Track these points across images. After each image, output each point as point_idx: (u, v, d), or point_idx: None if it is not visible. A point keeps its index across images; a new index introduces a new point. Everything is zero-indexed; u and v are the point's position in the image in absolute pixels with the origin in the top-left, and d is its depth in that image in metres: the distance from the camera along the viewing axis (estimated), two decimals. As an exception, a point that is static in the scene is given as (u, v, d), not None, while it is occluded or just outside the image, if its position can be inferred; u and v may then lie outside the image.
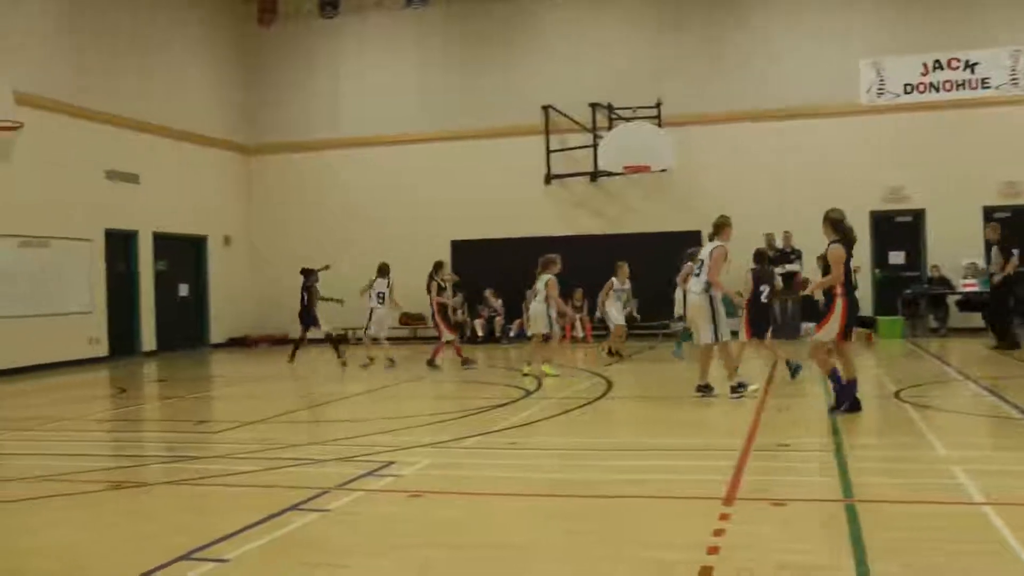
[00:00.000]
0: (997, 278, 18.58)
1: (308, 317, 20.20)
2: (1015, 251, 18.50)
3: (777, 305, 21.96)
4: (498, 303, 25.11)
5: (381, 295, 18.73)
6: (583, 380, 15.58)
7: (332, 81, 27.42)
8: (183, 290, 25.73)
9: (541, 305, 16.39)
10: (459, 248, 25.85)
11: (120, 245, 23.32)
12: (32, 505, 7.95)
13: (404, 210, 26.23)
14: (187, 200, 25.32)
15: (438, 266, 18.46)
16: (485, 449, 9.69)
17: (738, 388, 12.64)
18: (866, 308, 21.79)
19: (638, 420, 11.74)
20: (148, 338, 23.99)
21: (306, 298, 20.15)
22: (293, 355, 20.27)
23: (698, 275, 12.67)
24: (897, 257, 24.40)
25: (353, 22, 27.26)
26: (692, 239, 23.88)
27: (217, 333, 26.49)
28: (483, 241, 25.63)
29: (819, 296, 11.78)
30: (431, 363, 18.03)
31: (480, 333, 24.95)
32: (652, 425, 11.26)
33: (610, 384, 14.77)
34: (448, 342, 18.43)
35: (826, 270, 11.24)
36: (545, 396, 13.55)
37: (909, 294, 22.86)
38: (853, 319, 11.11)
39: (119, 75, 23.20)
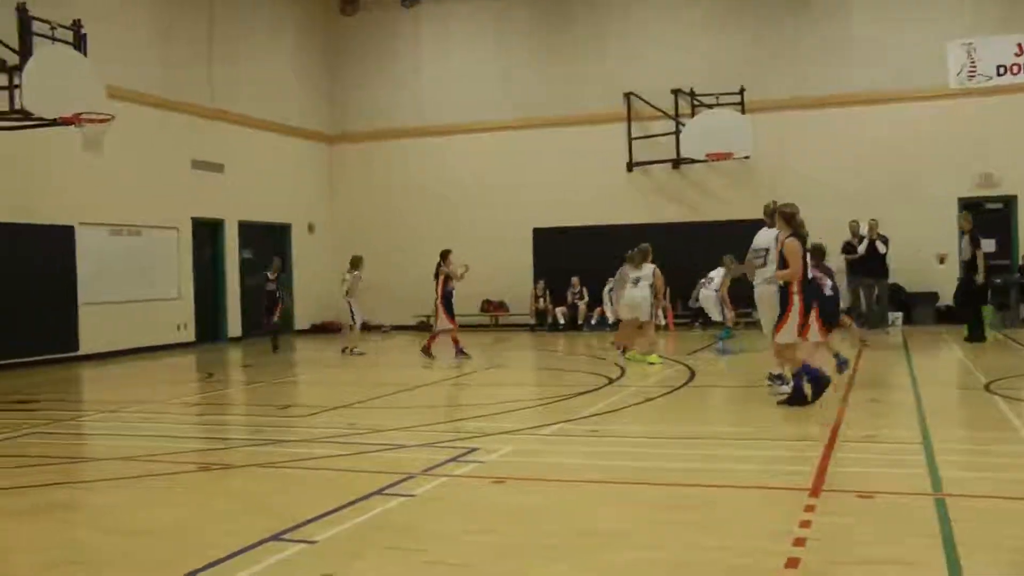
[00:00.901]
0: (980, 278, 18.63)
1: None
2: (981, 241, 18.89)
3: (863, 293, 21.69)
4: (581, 290, 25.09)
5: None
6: (665, 368, 15.52)
7: (414, 69, 27.57)
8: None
9: (646, 292, 16.32)
10: (540, 236, 25.89)
11: (206, 233, 23.74)
12: (126, 484, 8.17)
13: (486, 198, 26.30)
14: (271, 188, 25.68)
15: (445, 255, 17.79)
16: (567, 436, 9.71)
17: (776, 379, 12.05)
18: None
19: (721, 409, 11.67)
20: (233, 324, 24.40)
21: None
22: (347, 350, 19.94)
23: (764, 265, 11.80)
24: (987, 245, 23.81)
25: (435, 10, 27.35)
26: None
27: (301, 319, 26.84)
28: (565, 229, 25.62)
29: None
30: (426, 351, 17.65)
31: (562, 321, 24.97)
32: (736, 414, 11.18)
33: (693, 372, 14.69)
34: (446, 331, 17.74)
35: (782, 264, 10.84)
36: (627, 384, 13.53)
37: (999, 284, 22.35)
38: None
39: (205, 66, 23.61)
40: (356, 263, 19.91)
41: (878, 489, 7.06)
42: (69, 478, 8.80)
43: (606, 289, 22.54)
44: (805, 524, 6.15)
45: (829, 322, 13.80)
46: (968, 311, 19.01)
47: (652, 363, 15.77)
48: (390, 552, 5.86)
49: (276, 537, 6.11)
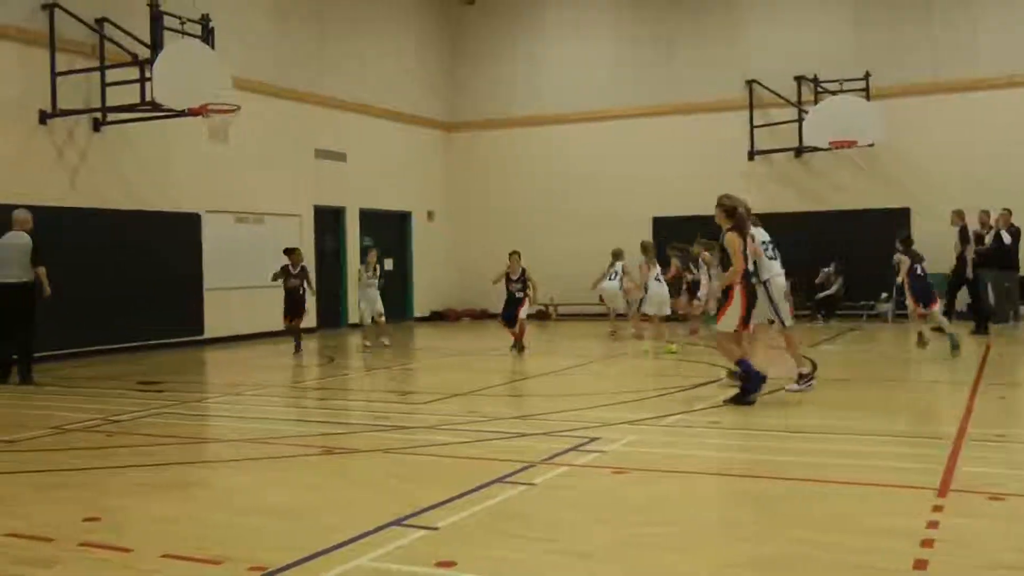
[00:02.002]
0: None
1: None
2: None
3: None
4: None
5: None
6: (789, 360, 15.26)
7: (533, 56, 27.61)
8: (388, 264, 26.46)
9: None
10: (660, 225, 25.71)
11: (328, 221, 24.16)
12: (252, 466, 8.39)
13: (604, 187, 26.22)
14: (392, 177, 26.02)
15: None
16: (688, 427, 9.66)
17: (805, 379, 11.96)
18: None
19: (845, 403, 11.44)
20: (354, 310, 24.76)
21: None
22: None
23: (774, 258, 11.95)
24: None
25: (554, -2, 27.41)
26: (901, 216, 23.14)
27: (420, 306, 27.16)
28: (684, 218, 25.36)
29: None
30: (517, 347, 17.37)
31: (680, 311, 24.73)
32: (859, 408, 10.95)
33: (815, 365, 14.43)
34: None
35: (723, 259, 10.92)
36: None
37: None
38: (752, 307, 10.94)
39: (327, 57, 24.02)
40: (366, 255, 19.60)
41: (1010, 491, 6.85)
42: (197, 457, 9.10)
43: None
44: (932, 525, 6.00)
45: (920, 302, 15.55)
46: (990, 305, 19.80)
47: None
48: (511, 540, 5.91)
49: (398, 522, 6.21)
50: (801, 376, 11.85)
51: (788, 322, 12.07)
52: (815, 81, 24.22)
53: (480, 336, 20.02)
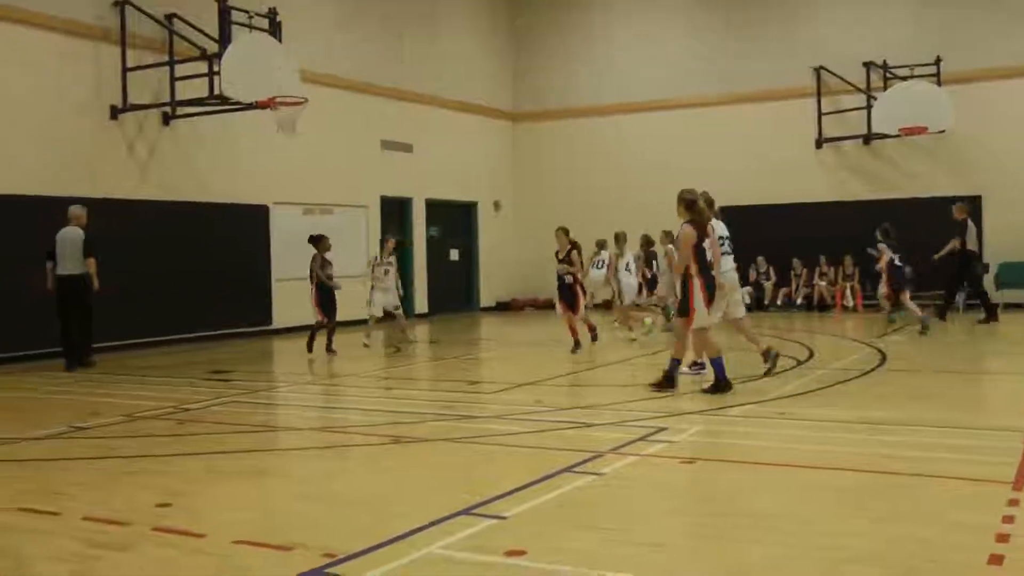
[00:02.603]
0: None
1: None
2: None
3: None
4: (768, 270, 24.63)
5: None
6: (856, 351, 15.11)
7: (599, 47, 27.47)
8: (454, 255, 26.57)
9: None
10: (727, 214, 25.22)
11: (394, 212, 24.28)
12: (321, 454, 8.48)
13: (670, 177, 25.79)
14: (458, 167, 26.08)
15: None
16: (756, 418, 9.57)
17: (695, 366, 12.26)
18: None
19: (915, 394, 11.27)
20: (420, 301, 24.92)
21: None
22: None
23: (730, 253, 12.20)
24: None
25: (619, -13, 27.25)
26: (972, 204, 22.74)
27: (486, 296, 27.22)
28: (752, 207, 25.12)
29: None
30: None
31: (747, 301, 24.49)
32: (930, 400, 10.78)
33: (884, 356, 14.26)
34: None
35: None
36: (816, 366, 13.24)
37: None
38: (712, 296, 11.03)
39: (393, 48, 24.13)
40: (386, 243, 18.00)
41: (1090, 482, 6.70)
42: (267, 445, 9.20)
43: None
44: (1008, 519, 5.86)
45: (894, 289, 17.63)
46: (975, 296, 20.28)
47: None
48: (580, 530, 5.90)
49: (467, 511, 6.22)
50: (694, 363, 12.14)
51: (740, 313, 12.55)
52: (884, 67, 23.84)
53: (545, 326, 19.98)
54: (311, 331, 16.51)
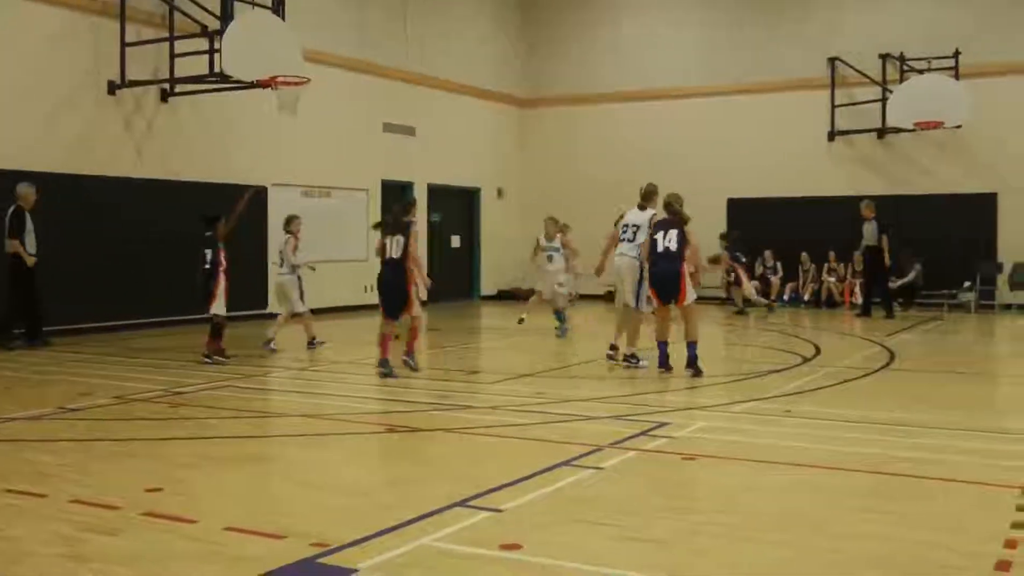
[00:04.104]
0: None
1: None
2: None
3: None
4: (775, 264, 24.59)
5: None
6: (864, 349, 15.11)
7: (610, 33, 27.41)
8: (455, 241, 26.56)
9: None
10: (736, 207, 25.49)
11: (395, 196, 24.22)
12: (317, 442, 8.49)
13: (680, 166, 25.89)
14: (461, 152, 26.04)
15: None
16: (759, 415, 9.58)
17: (631, 359, 12.81)
18: None
19: (924, 395, 11.28)
20: (420, 287, 24.84)
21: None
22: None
23: (631, 240, 12.86)
24: None
25: (632, -29, 27.19)
26: (987, 201, 22.73)
27: (487, 285, 27.22)
28: (761, 200, 25.13)
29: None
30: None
31: (755, 295, 24.50)
32: (939, 401, 10.78)
33: (892, 354, 14.26)
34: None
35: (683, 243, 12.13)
36: (823, 364, 13.24)
37: None
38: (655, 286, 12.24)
39: (398, 28, 24.06)
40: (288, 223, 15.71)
41: (1100, 487, 6.71)
42: (260, 431, 9.22)
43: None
44: (1018, 525, 5.87)
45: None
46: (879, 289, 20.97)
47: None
48: (578, 525, 5.91)
49: (462, 503, 6.24)
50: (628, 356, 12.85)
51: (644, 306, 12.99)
52: (901, 59, 23.79)
53: (548, 316, 19.94)
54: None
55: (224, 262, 13.71)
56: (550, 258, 16.81)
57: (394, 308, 12.40)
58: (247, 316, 19.81)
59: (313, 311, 15.96)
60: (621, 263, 12.95)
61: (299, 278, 15.32)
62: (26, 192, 15.14)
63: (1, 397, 10.87)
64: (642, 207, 13.09)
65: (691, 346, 12.14)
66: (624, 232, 13.02)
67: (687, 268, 12.11)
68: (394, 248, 12.24)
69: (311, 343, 15.30)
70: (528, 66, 28.38)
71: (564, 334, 16.72)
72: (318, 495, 6.68)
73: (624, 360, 12.87)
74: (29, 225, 15.07)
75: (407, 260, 12.28)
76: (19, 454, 7.97)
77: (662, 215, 12.62)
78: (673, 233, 12.09)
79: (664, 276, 12.09)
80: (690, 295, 12.11)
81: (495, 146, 27.56)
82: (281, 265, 15.36)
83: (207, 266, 13.69)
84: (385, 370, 12.10)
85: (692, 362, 12.07)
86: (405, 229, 12.36)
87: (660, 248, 12.10)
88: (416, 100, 24.54)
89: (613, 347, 13.37)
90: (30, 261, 14.97)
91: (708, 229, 24.91)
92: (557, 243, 16.86)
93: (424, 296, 15.01)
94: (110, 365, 13.39)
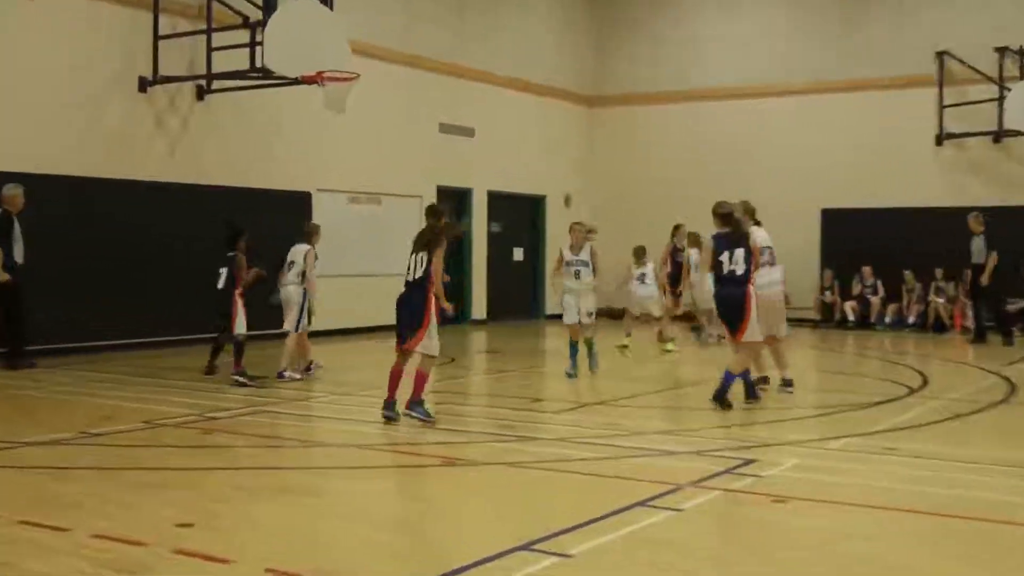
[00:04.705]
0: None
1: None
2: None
3: None
4: (874, 283, 24.30)
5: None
6: (979, 380, 14.86)
7: (688, 25, 27.32)
8: (517, 254, 26.55)
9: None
10: (830, 218, 25.24)
11: (452, 204, 24.29)
12: (366, 474, 8.48)
13: (766, 172, 25.76)
14: (524, 155, 26.03)
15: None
16: (858, 453, 9.43)
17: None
18: None
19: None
20: (479, 305, 24.92)
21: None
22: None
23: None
24: None
25: (715, -42, 27.11)
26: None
27: (553, 303, 27.13)
28: (859, 211, 24.83)
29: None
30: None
31: (851, 316, 24.27)
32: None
33: (1013, 386, 13.99)
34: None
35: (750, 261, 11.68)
36: (931, 396, 13.04)
37: None
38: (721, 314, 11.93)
39: (456, 21, 24.15)
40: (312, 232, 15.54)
41: None
42: (301, 462, 9.24)
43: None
44: None
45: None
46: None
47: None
48: (655, 572, 5.84)
49: (527, 547, 6.18)
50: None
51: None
52: (1021, 53, 23.46)
53: (619, 338, 19.85)
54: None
55: (240, 287, 14.18)
56: (577, 274, 15.59)
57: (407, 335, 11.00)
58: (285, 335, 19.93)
59: (358, 330, 16.00)
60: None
61: (305, 292, 14.81)
62: (12, 194, 14.95)
63: (20, 419, 11.01)
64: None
65: (728, 377, 11.44)
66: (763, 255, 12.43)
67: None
68: (417, 267, 11.34)
69: (308, 368, 14.87)
70: (598, 61, 28.35)
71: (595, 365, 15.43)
72: (365, 533, 6.66)
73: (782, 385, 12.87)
74: (16, 232, 14.88)
75: (431, 281, 11.13)
76: (38, 482, 8.05)
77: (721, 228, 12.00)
78: (740, 253, 11.60)
79: (728, 303, 11.64)
80: (753, 331, 11.52)
81: (562, 149, 27.53)
82: (288, 272, 14.85)
83: (222, 288, 14.12)
84: (389, 413, 10.79)
85: (720, 395, 11.39)
86: (433, 243, 11.48)
87: (725, 270, 11.63)
88: (475, 98, 24.59)
89: (764, 379, 12.95)
90: (3, 277, 14.53)
91: (800, 244, 24.84)
92: (586, 254, 15.71)
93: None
94: (135, 386, 13.50)
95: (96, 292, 16.87)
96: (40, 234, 15.70)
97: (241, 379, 13.65)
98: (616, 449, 9.37)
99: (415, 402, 10.69)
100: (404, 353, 10.98)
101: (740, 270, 11.51)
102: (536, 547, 6.18)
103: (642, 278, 18.39)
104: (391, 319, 18.31)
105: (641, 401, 12.91)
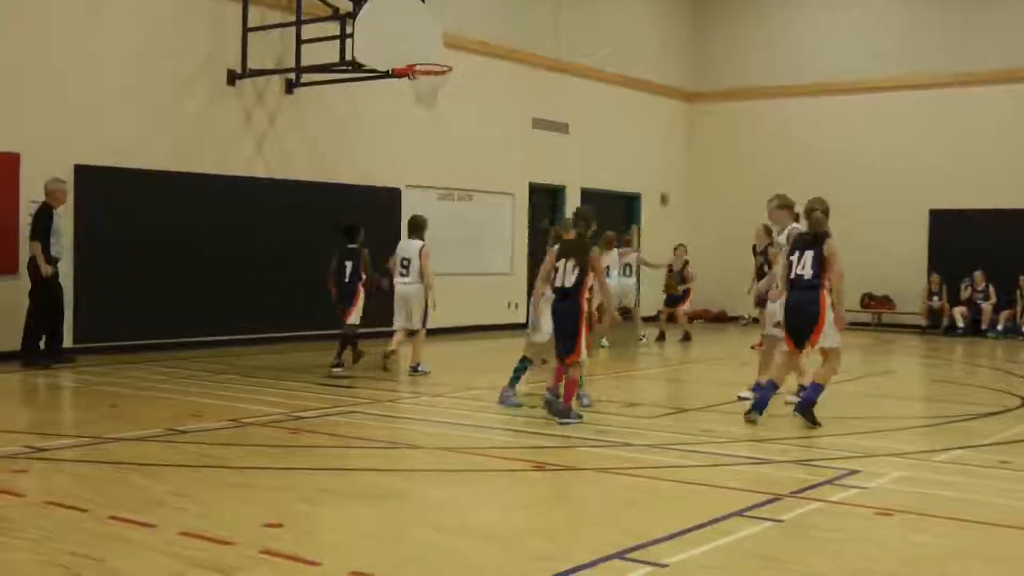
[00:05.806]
0: None
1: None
2: None
3: None
4: (986, 288, 23.91)
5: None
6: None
7: (794, 18, 27.13)
8: (611, 254, 26.50)
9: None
10: (939, 220, 24.88)
11: (545, 201, 24.35)
12: (455, 478, 8.54)
13: (871, 171, 25.49)
14: (620, 152, 26.02)
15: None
16: (968, 466, 9.29)
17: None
18: None
19: None
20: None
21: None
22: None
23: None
24: None
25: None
26: None
27: (647, 303, 27.06)
28: (970, 212, 24.44)
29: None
30: None
31: (961, 323, 23.91)
32: None
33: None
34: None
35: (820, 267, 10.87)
36: (1046, 407, 12.83)
37: None
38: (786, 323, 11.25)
39: (549, 11, 24.18)
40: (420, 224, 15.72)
41: None
42: (391, 464, 9.32)
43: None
44: None
45: None
46: None
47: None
48: (753, 585, 5.83)
49: (620, 555, 6.19)
50: None
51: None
52: None
53: (717, 341, 19.78)
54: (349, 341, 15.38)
55: (365, 276, 15.07)
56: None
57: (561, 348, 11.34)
58: (378, 334, 20.12)
59: (449, 331, 16.09)
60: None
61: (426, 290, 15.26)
62: (55, 188, 15.07)
63: (107, 415, 11.26)
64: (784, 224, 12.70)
65: (815, 389, 10.95)
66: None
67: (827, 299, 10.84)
68: (568, 275, 11.12)
69: (415, 367, 15.25)
70: (697, 55, 28.24)
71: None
72: (457, 539, 6.71)
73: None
74: (56, 226, 15.01)
75: (583, 294, 11.09)
76: (125, 478, 8.22)
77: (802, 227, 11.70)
78: (809, 255, 10.93)
79: (796, 310, 11.07)
80: (830, 336, 10.89)
81: (659, 145, 27.46)
82: (406, 274, 15.24)
83: (347, 280, 14.90)
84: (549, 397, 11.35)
85: (804, 409, 10.93)
86: (585, 252, 11.18)
87: (792, 273, 11.04)
88: (569, 93, 24.61)
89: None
90: (45, 270, 14.76)
91: (906, 246, 24.52)
92: (613, 256, 16.13)
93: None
94: (223, 384, 13.75)
95: (181, 287, 17.22)
96: (120, 228, 16.09)
97: (339, 370, 14.45)
98: (712, 456, 9.37)
99: (563, 410, 11.08)
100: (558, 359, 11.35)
101: (808, 274, 10.85)
102: (629, 556, 6.19)
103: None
104: (482, 318, 18.66)
105: (738, 407, 12.80)
